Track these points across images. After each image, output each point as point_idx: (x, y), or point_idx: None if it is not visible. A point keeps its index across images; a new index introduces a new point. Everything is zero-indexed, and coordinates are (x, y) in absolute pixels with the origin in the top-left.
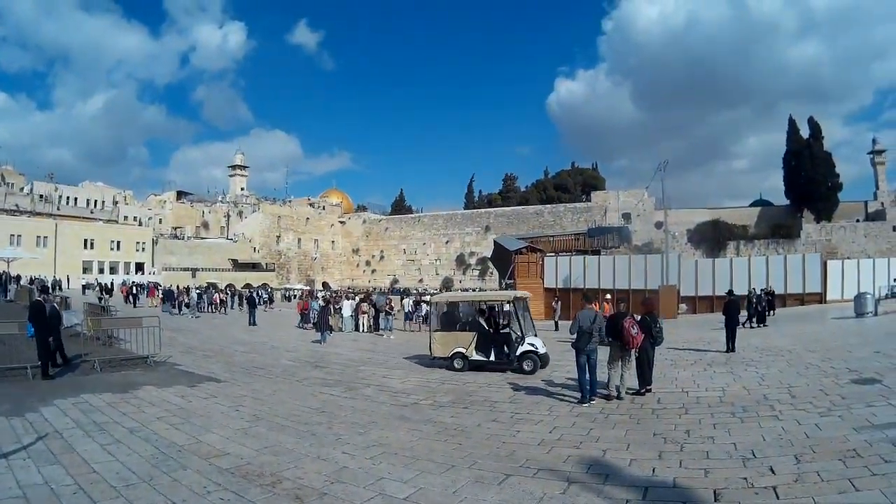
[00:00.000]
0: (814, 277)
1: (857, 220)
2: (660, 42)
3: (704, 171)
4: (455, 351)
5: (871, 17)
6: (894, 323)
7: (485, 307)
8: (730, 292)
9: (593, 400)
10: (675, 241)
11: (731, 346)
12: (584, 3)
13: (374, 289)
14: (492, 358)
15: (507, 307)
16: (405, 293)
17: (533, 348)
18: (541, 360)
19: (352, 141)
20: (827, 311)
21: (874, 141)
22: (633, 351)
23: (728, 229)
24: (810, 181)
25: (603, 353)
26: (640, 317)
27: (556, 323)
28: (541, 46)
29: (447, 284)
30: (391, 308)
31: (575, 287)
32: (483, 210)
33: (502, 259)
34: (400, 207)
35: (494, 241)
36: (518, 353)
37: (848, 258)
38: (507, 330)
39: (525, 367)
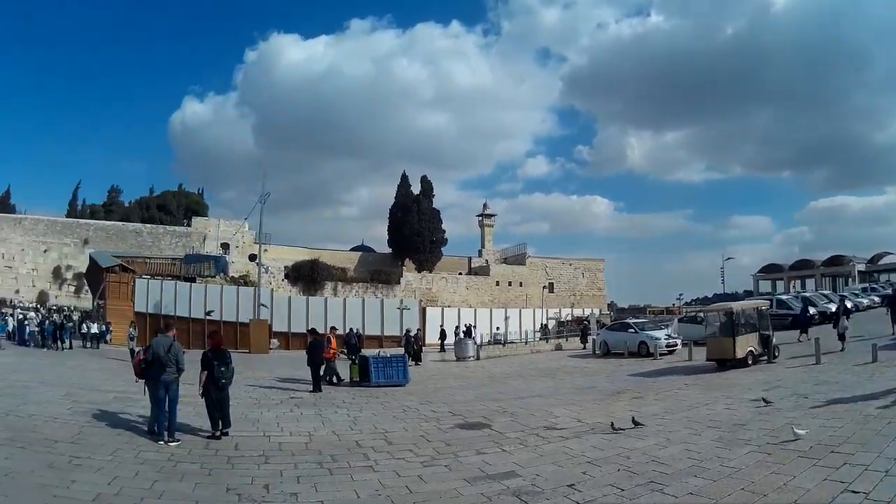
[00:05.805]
0: (412, 321)
1: (460, 273)
2: (295, 84)
3: (312, 213)
4: (749, 349)
5: (503, 102)
6: (497, 367)
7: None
8: (312, 331)
9: (172, 442)
10: (271, 276)
11: (318, 387)
12: (233, 26)
13: None
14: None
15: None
16: None
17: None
18: None
19: None
20: (426, 354)
21: (485, 206)
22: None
23: (327, 269)
24: (416, 234)
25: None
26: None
27: (132, 351)
28: (178, 58)
29: (43, 299)
30: None
31: (166, 313)
32: (84, 221)
33: (96, 276)
34: (4, 206)
35: (90, 256)
36: (773, 344)
37: (448, 306)
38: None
39: (775, 354)
